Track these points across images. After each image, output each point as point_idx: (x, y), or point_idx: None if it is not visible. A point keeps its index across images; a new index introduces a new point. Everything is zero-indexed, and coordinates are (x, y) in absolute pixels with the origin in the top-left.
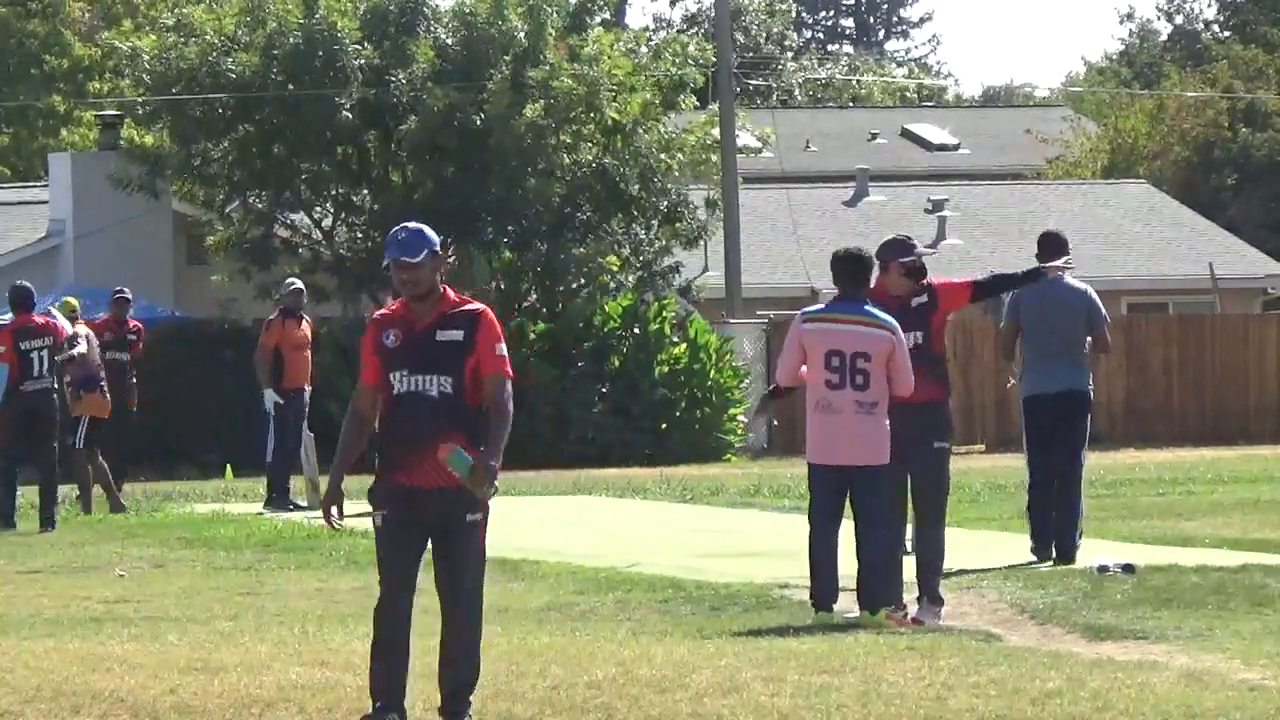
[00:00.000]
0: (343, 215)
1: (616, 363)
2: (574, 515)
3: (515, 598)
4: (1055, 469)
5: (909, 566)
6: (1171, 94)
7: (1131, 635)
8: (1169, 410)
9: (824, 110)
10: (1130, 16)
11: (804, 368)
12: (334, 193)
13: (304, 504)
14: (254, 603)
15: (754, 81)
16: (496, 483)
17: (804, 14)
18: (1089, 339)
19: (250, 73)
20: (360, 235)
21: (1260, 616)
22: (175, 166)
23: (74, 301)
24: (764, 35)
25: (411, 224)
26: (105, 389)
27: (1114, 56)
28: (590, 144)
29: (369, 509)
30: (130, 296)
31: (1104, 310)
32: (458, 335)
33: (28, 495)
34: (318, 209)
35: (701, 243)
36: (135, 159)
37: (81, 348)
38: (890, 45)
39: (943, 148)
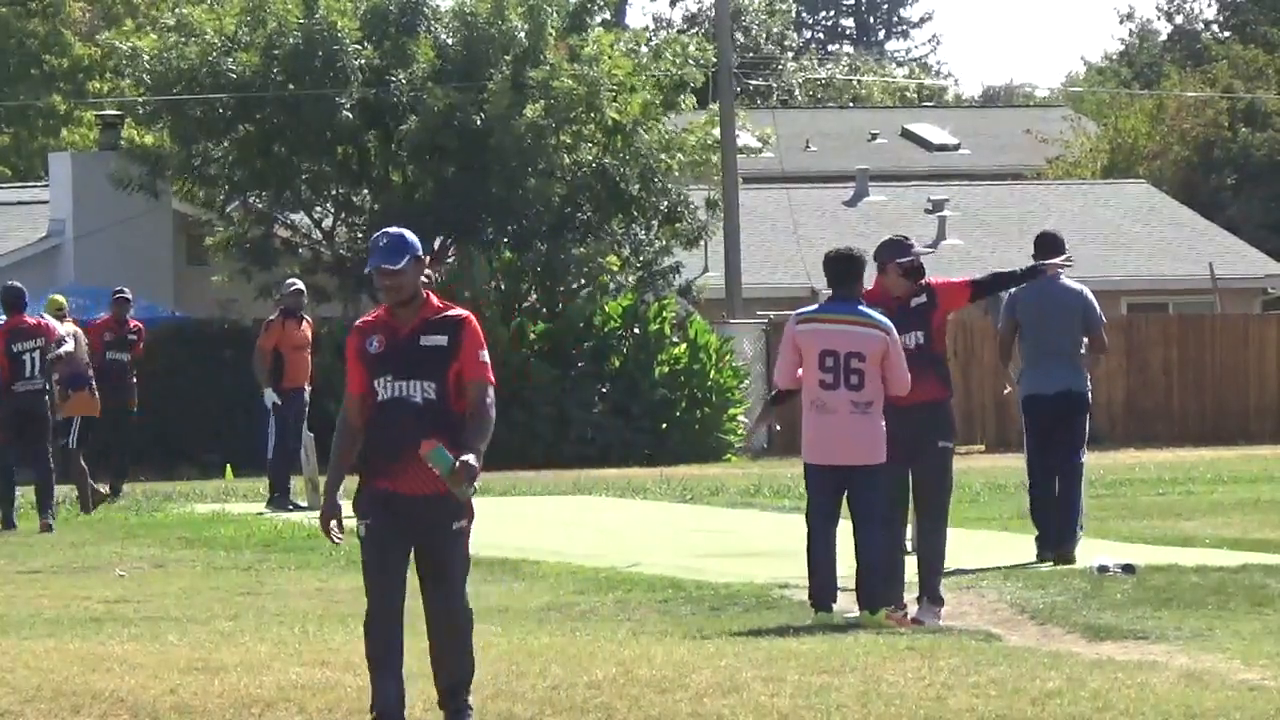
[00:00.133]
0: (343, 215)
1: (616, 363)
2: (574, 515)
3: (515, 598)
4: (1055, 469)
5: (909, 566)
6: (1171, 94)
7: (1131, 635)
8: (1169, 410)
9: (824, 110)
10: (1130, 16)
11: (799, 370)
12: (334, 193)
13: (304, 504)
14: (254, 603)
15: (754, 81)
16: (476, 483)
17: (804, 14)
18: (1085, 339)
19: (250, 73)
20: (360, 235)
21: (1260, 616)
22: (175, 166)
23: (61, 299)
24: (764, 35)
25: (393, 229)
26: (94, 387)
27: (1114, 56)
28: (590, 144)
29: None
30: (130, 296)
31: (1100, 310)
32: (442, 340)
33: (27, 495)
34: (318, 209)
35: (701, 243)
36: (135, 159)
37: (68, 346)
38: (890, 45)
39: (943, 148)
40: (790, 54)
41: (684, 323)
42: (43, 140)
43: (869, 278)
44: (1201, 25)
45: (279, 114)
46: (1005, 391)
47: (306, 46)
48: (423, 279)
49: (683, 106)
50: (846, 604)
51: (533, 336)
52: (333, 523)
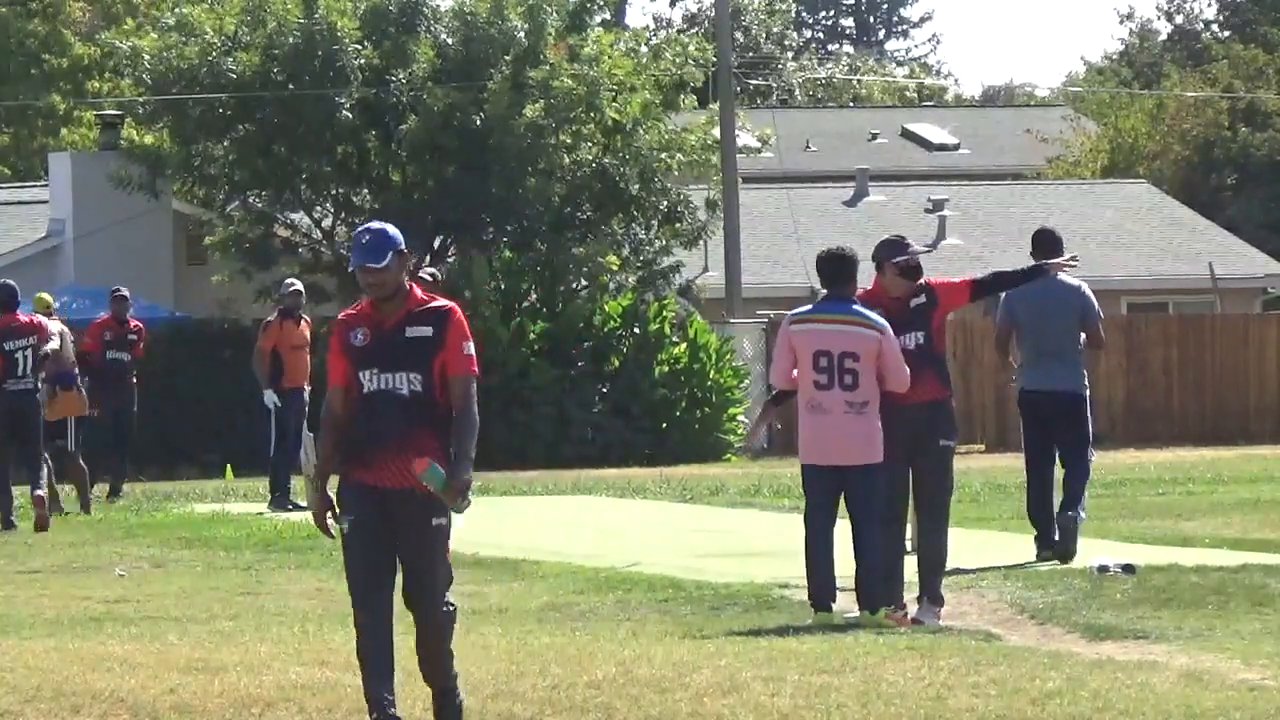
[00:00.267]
0: (343, 215)
1: (616, 363)
2: (574, 515)
3: (515, 598)
4: (1052, 468)
5: (908, 565)
6: (1171, 94)
7: (1131, 635)
8: (1169, 410)
9: (824, 110)
10: (1130, 16)
11: (794, 370)
12: (334, 193)
13: (304, 504)
14: (254, 603)
15: (754, 81)
16: (471, 495)
17: (804, 14)
18: (1083, 336)
19: (250, 72)
20: None
21: (1260, 616)
22: (175, 166)
23: (47, 298)
24: (764, 35)
25: (375, 225)
26: (80, 387)
27: (1114, 56)
28: (590, 144)
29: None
30: (128, 295)
31: (1098, 307)
32: (427, 331)
33: (25, 495)
34: (318, 209)
35: (701, 243)
36: (135, 159)
37: (53, 344)
38: (890, 45)
39: (943, 148)
40: (790, 54)
41: (684, 322)
42: (43, 140)
43: (869, 277)
44: (1201, 25)
45: (279, 114)
46: (1012, 380)
47: (306, 46)
48: (426, 276)
49: (683, 106)
50: (846, 604)
51: (533, 336)
52: (328, 515)
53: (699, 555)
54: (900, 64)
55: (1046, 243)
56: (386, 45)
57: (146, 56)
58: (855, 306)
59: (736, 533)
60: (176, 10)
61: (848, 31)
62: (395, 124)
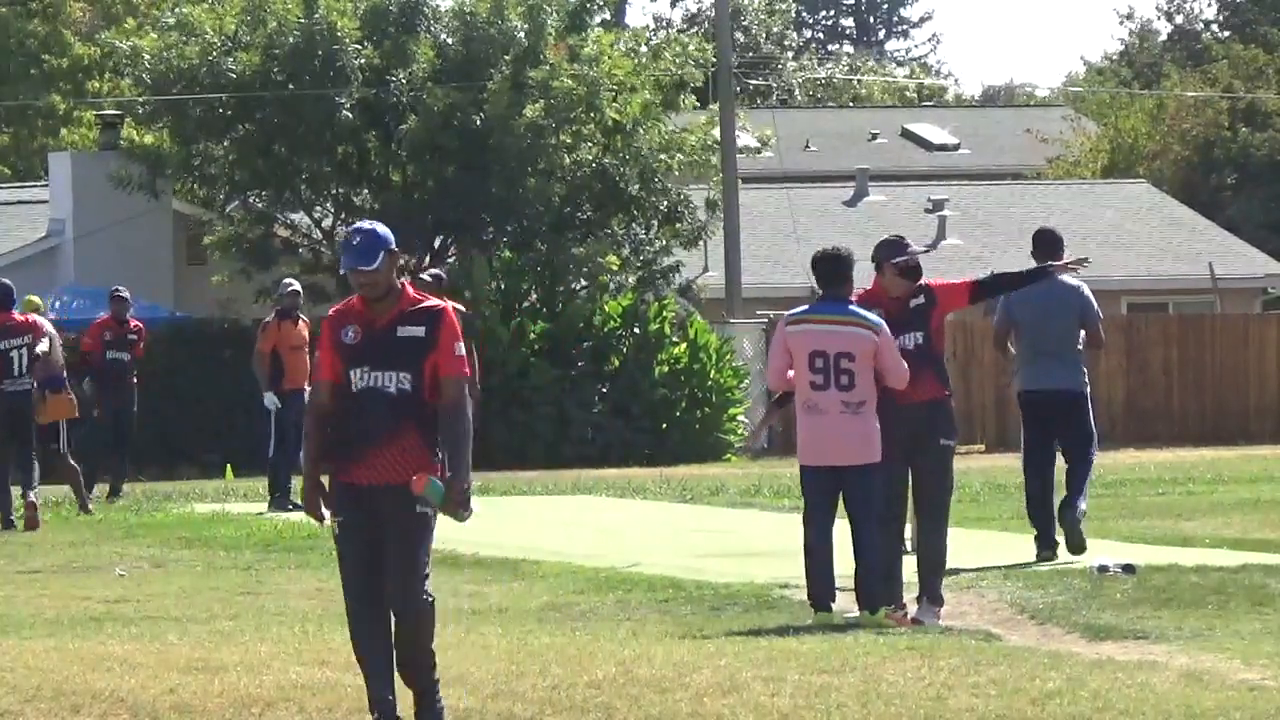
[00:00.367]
0: (343, 215)
1: (616, 363)
2: (574, 515)
3: (515, 598)
4: (1051, 468)
5: (908, 565)
6: (1171, 94)
7: (1131, 635)
8: (1169, 410)
9: (824, 110)
10: (1130, 16)
11: (790, 371)
12: (334, 193)
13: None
14: (254, 603)
15: (754, 81)
16: (474, 505)
17: (804, 14)
18: (1083, 335)
19: (250, 72)
20: None
21: (1260, 616)
22: (175, 166)
23: (36, 299)
24: (764, 35)
25: (365, 226)
26: (69, 389)
27: (1114, 56)
28: (590, 144)
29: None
30: (128, 295)
31: (1097, 307)
32: (419, 332)
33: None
34: (318, 209)
35: (701, 243)
36: (135, 159)
37: (43, 346)
38: (890, 45)
39: (943, 148)
40: (790, 54)
41: (684, 322)
42: (43, 140)
43: (869, 277)
44: (1201, 25)
45: (279, 114)
46: (1013, 374)
47: (306, 46)
48: (427, 278)
49: (683, 106)
50: (846, 604)
51: (533, 336)
52: (319, 504)
53: (699, 555)
54: (900, 64)
55: (1047, 243)
56: (386, 45)
57: (146, 56)
58: (851, 306)
59: (736, 533)
60: (177, 10)
61: (848, 31)
62: (395, 124)
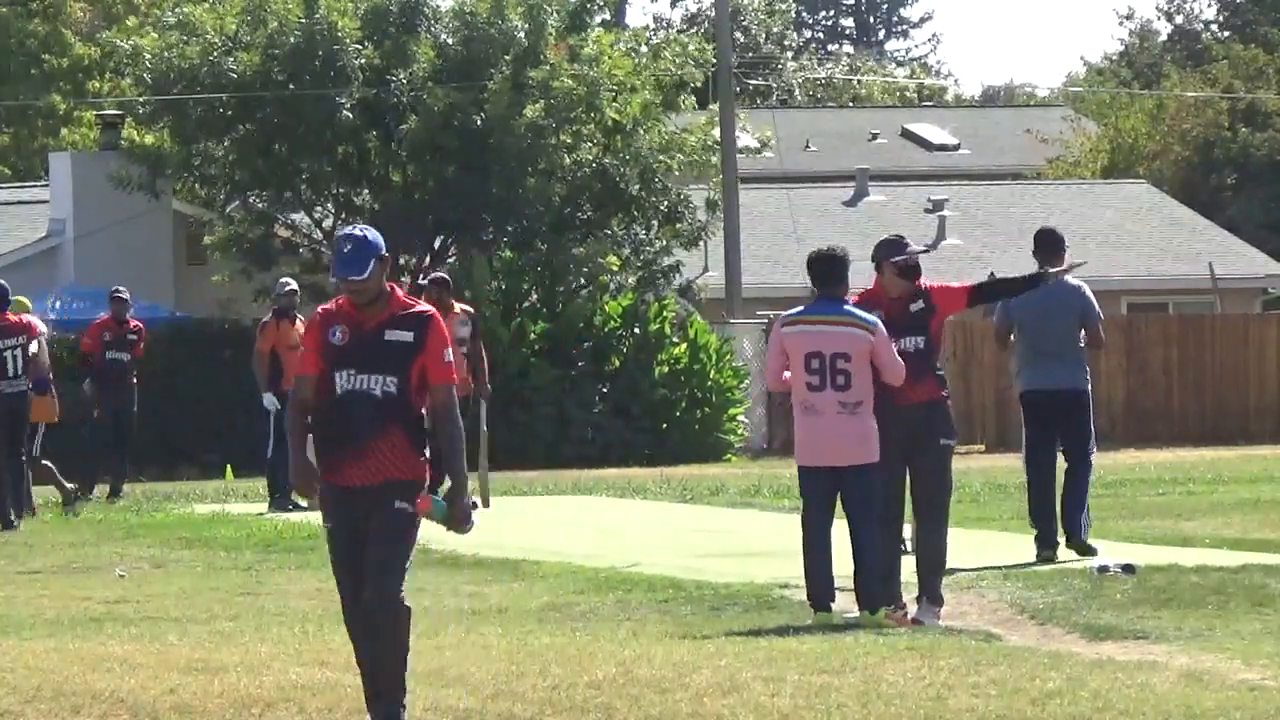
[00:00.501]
0: (343, 215)
1: (616, 363)
2: (574, 515)
3: (515, 598)
4: (1053, 468)
5: (907, 565)
6: (1171, 94)
7: (1131, 635)
8: (1169, 410)
9: (824, 110)
10: (1130, 16)
11: (787, 373)
12: (334, 193)
13: (304, 505)
14: (254, 603)
15: (754, 81)
16: (474, 517)
17: (804, 14)
18: (1083, 336)
19: (251, 72)
20: None
21: (1260, 616)
22: (175, 166)
23: (25, 301)
24: (764, 35)
25: (355, 233)
26: (54, 393)
27: (1114, 56)
28: (590, 144)
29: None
30: (127, 296)
31: (1098, 307)
32: (407, 337)
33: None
34: (318, 209)
35: (701, 243)
36: (135, 159)
37: (32, 348)
38: (890, 45)
39: (943, 148)
40: (790, 54)
41: (684, 323)
42: (43, 140)
43: (869, 278)
44: (1201, 25)
45: (279, 114)
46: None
47: (307, 46)
48: (436, 280)
49: (683, 106)
50: (846, 604)
51: (533, 336)
52: (311, 479)
53: (699, 555)
54: (900, 64)
55: (1048, 243)
56: (387, 45)
57: (147, 56)
58: (846, 306)
59: (736, 533)
60: (177, 10)
61: (848, 31)
62: (395, 124)
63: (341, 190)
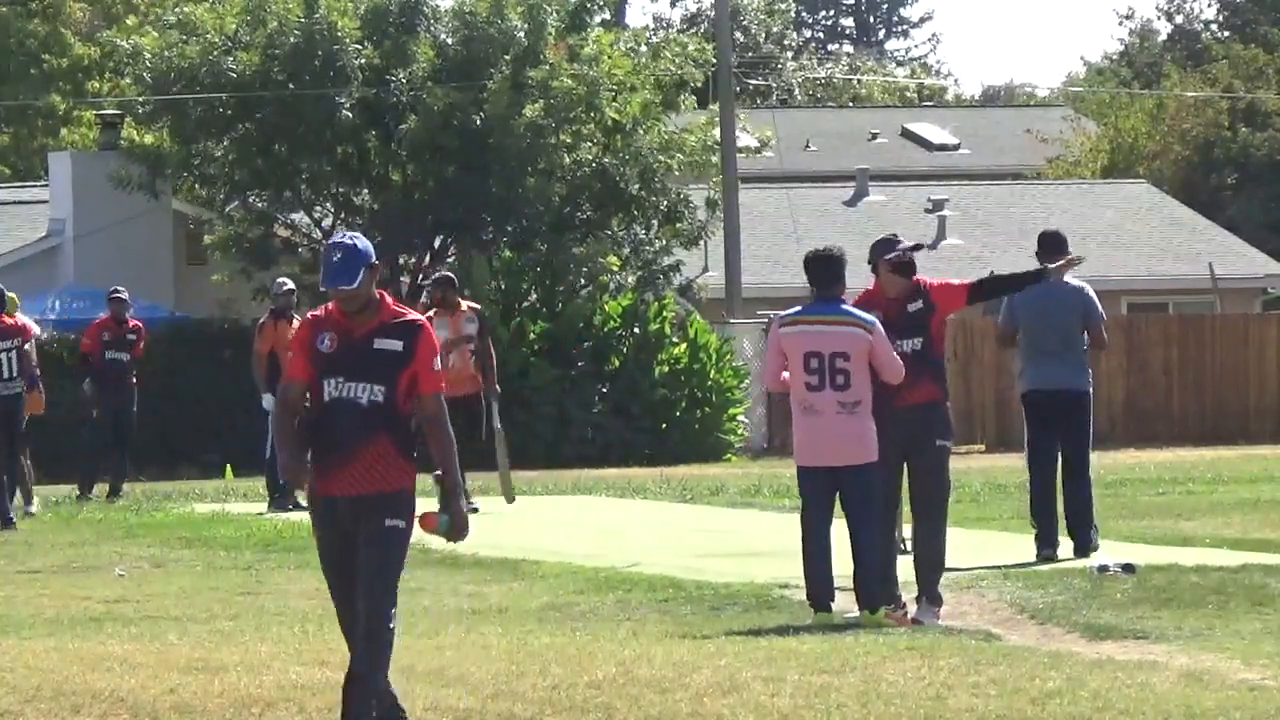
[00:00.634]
0: (343, 215)
1: (616, 363)
2: (574, 515)
3: (515, 598)
4: (1054, 467)
5: (904, 564)
6: (1171, 94)
7: (1131, 635)
8: (1169, 410)
9: (824, 110)
10: (1130, 16)
11: (785, 373)
12: (334, 192)
13: (304, 504)
14: (254, 603)
15: (754, 81)
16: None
17: (804, 13)
18: (1086, 336)
19: (250, 72)
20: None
21: (1260, 616)
22: (175, 166)
23: (14, 297)
24: (764, 35)
25: (345, 241)
26: (41, 389)
27: (1114, 56)
28: (590, 144)
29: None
30: (126, 296)
31: (1101, 308)
32: (397, 345)
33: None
34: (318, 209)
35: (701, 242)
36: (135, 159)
37: (28, 346)
38: (890, 45)
39: (943, 148)
40: (790, 54)
41: (684, 322)
42: (43, 140)
43: (869, 279)
44: (1201, 25)
45: (279, 114)
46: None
47: (306, 46)
48: (440, 280)
49: (683, 106)
50: (846, 604)
51: (533, 336)
52: (302, 471)
53: (699, 555)
54: (900, 64)
55: (1052, 244)
56: (386, 45)
57: (147, 55)
58: (844, 306)
59: (736, 533)
60: (177, 9)
61: (848, 31)
62: (395, 124)
63: (341, 190)
